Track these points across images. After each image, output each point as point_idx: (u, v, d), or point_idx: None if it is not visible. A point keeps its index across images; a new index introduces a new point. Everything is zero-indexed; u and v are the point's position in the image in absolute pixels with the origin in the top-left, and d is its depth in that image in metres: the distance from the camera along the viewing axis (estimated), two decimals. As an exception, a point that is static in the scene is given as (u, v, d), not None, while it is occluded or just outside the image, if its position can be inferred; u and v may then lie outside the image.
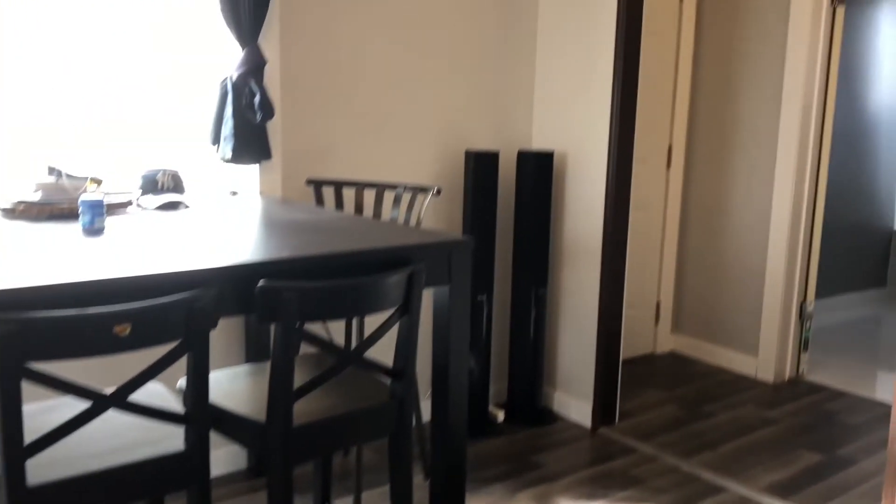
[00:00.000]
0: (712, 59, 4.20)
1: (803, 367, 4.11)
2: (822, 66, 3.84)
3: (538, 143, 3.54)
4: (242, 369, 2.07)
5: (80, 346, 1.40)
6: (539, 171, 3.31)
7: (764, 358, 4.04)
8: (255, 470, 2.84)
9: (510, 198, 3.52)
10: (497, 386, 3.60)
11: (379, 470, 2.91)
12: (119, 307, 1.42)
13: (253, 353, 2.75)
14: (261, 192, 2.80)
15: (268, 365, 2.09)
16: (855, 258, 5.38)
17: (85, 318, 1.38)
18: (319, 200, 2.84)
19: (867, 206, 5.37)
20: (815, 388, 3.94)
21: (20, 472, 1.37)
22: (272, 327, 1.92)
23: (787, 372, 4.07)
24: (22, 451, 1.37)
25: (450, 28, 3.22)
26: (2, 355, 1.32)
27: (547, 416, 3.49)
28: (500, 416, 3.43)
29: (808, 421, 3.52)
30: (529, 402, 3.45)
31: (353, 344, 2.78)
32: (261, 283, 1.62)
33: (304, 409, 1.77)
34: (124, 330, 1.41)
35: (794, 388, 3.95)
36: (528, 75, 3.50)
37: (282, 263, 1.76)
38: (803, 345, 4.09)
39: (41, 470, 1.43)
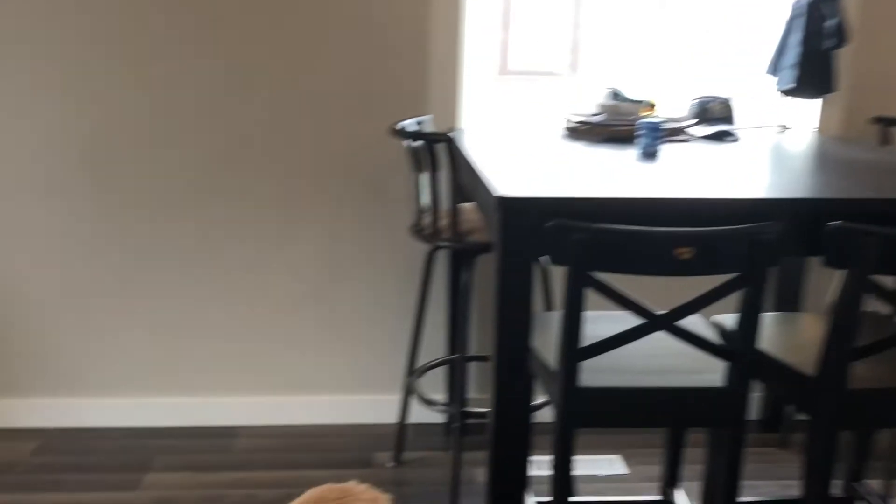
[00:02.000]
0: None
1: None
2: None
3: None
4: (779, 316, 1.92)
5: (642, 263, 1.41)
6: None
7: None
8: (767, 424, 2.67)
9: None
10: None
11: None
12: (684, 230, 1.38)
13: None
14: (817, 130, 2.55)
15: (805, 316, 1.91)
16: None
17: (650, 235, 1.39)
18: (886, 142, 2.47)
19: None
20: None
21: (574, 372, 1.46)
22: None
23: None
24: (578, 353, 1.45)
25: None
26: (573, 262, 1.39)
27: None
28: None
29: None
30: None
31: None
32: (833, 223, 1.44)
33: (858, 373, 1.56)
34: (686, 253, 1.38)
35: None
36: None
37: (850, 204, 1.57)
38: None
39: (591, 374, 1.50)
